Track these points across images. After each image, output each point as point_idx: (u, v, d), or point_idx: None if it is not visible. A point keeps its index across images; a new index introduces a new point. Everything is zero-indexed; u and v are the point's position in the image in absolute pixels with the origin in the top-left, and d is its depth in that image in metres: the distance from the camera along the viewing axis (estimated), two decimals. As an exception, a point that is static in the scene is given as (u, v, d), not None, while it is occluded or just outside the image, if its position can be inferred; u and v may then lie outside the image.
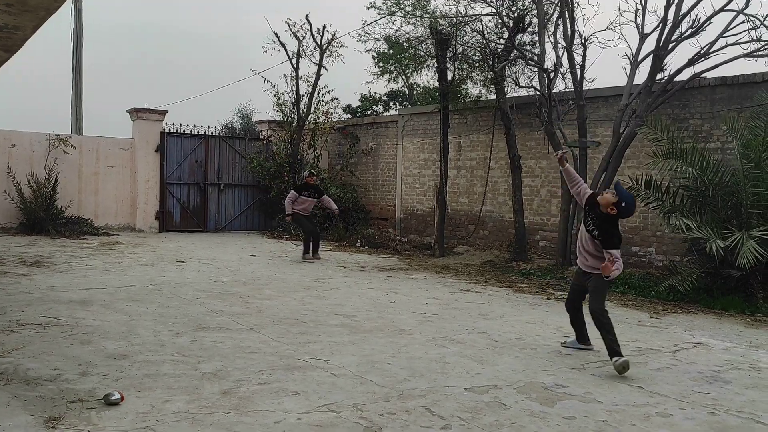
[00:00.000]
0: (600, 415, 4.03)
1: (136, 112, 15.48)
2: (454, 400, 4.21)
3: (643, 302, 8.21)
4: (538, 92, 11.38)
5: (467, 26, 12.35)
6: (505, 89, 12.10)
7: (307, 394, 4.21)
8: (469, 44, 12.65)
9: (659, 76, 9.70)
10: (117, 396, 3.92)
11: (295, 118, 16.16)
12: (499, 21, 11.95)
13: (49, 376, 4.37)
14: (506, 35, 11.80)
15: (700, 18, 9.38)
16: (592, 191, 5.49)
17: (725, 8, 9.13)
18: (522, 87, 12.06)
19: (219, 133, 16.87)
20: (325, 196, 11.97)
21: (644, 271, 9.94)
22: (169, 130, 15.76)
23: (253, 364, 4.84)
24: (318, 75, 15.94)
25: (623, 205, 5.01)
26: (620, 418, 3.98)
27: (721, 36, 9.24)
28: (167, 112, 15.89)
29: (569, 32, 10.51)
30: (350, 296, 7.89)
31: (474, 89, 15.50)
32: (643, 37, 9.90)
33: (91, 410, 3.78)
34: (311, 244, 11.48)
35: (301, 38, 15.71)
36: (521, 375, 4.85)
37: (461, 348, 5.59)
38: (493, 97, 12.72)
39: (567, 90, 11.75)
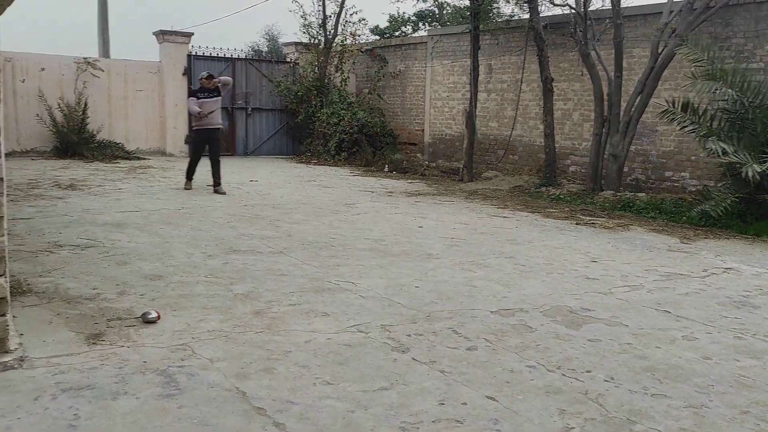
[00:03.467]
0: (625, 338, 4.07)
1: (162, 35, 15.33)
2: (480, 322, 4.28)
3: (674, 227, 8.13)
4: (573, 10, 10.94)
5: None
6: (539, 8, 11.65)
7: (336, 315, 4.31)
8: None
9: (702, -9, 9.24)
10: (154, 314, 4.06)
11: (322, 40, 15.86)
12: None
13: (88, 295, 4.54)
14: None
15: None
16: None
17: None
18: (556, 5, 11.61)
19: (246, 55, 16.67)
20: (219, 86, 9.93)
21: (677, 197, 9.79)
22: (196, 53, 15.63)
23: (284, 285, 4.95)
24: (345, -6, 15.51)
25: None
26: (646, 342, 4.01)
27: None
28: (193, 34, 15.72)
29: (608, -55, 9.99)
30: (378, 221, 7.95)
31: (506, 8, 14.99)
32: (687, -51, 9.38)
33: (130, 328, 3.93)
34: (196, 170, 9.94)
35: (327, -45, 15.22)
36: (547, 299, 4.89)
37: (488, 272, 5.64)
38: (526, 16, 12.28)
39: (603, 8, 11.30)
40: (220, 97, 9.89)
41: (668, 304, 4.84)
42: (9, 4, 3.56)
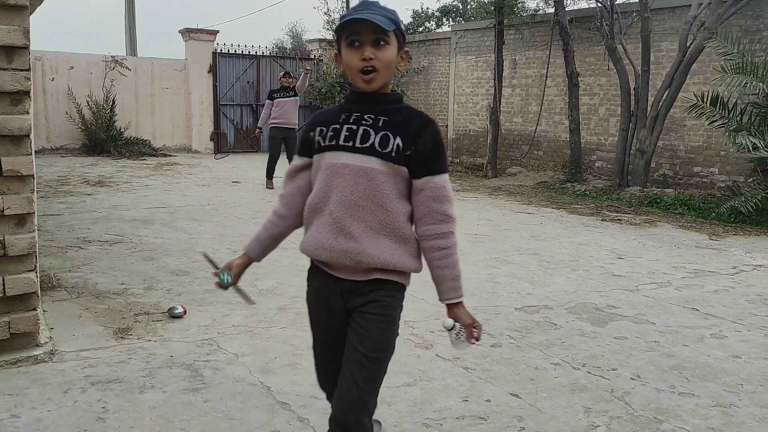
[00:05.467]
0: (652, 335, 4.02)
1: (187, 33, 15.48)
2: (504, 319, 4.26)
3: (702, 224, 8.00)
4: (599, 4, 10.81)
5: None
6: (565, 1, 11.54)
7: (360, 311, 4.31)
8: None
9: (732, -17, 9.06)
10: (180, 309, 4.11)
11: (346, 36, 15.88)
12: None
13: (116, 290, 4.61)
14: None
15: None
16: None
17: None
18: (582, -1, 11.47)
19: (270, 53, 16.76)
20: (297, 84, 10.13)
21: (705, 192, 9.63)
22: (221, 50, 15.75)
23: (308, 281, 4.97)
24: (369, -10, 15.51)
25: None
26: (673, 339, 3.96)
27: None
28: (218, 32, 15.84)
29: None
30: (402, 216, 7.92)
31: (531, 2, 14.88)
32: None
33: (157, 322, 3.99)
34: (276, 169, 10.05)
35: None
36: (573, 296, 4.85)
37: (512, 269, 5.61)
38: (551, 10, 12.17)
39: (630, 1, 11.15)
40: (297, 97, 10.03)
41: (696, 302, 4.77)
42: (39, 4, 3.63)
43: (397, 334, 2.06)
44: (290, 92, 9.99)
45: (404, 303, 2.01)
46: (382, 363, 2.01)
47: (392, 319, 2.00)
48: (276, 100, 9.92)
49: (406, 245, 1.96)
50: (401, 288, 2.02)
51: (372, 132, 1.91)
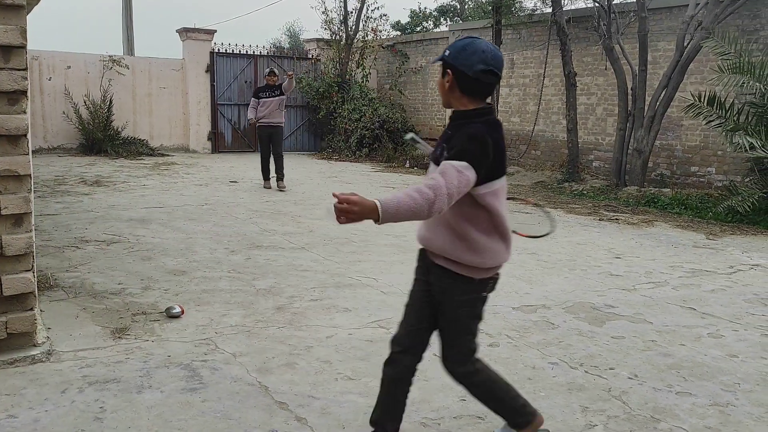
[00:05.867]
0: (649, 335, 4.03)
1: (185, 32, 15.45)
2: (502, 318, 4.26)
3: (699, 223, 8.01)
4: (596, 4, 10.82)
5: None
6: (562, 1, 11.55)
7: (358, 311, 4.32)
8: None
9: (729, -17, 9.07)
10: (178, 309, 4.11)
11: (344, 36, 15.87)
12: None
13: (114, 290, 4.61)
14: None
15: None
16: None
17: None
18: (580, -1, 11.48)
19: (267, 52, 16.74)
20: (284, 84, 9.98)
21: (702, 192, 9.65)
22: (218, 50, 15.73)
23: (305, 281, 4.98)
24: (366, -10, 15.50)
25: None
26: (670, 339, 3.97)
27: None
28: (216, 31, 15.82)
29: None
30: (400, 216, 7.92)
31: (529, 2, 14.90)
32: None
33: (155, 322, 3.98)
34: (270, 168, 10.09)
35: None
36: (570, 295, 4.86)
37: (510, 268, 5.61)
38: (549, 10, 12.18)
39: (628, 1, 11.17)
40: (283, 97, 10.05)
41: (693, 301, 4.78)
42: (36, 3, 3.62)
43: (467, 311, 2.43)
44: (276, 91, 10.00)
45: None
46: (448, 331, 2.46)
47: (451, 306, 2.43)
48: (261, 100, 9.99)
49: (461, 241, 2.33)
50: (461, 279, 2.37)
51: (439, 143, 2.40)
